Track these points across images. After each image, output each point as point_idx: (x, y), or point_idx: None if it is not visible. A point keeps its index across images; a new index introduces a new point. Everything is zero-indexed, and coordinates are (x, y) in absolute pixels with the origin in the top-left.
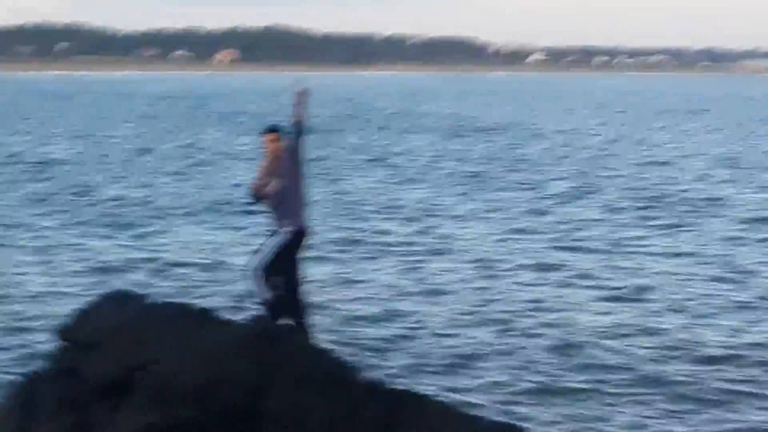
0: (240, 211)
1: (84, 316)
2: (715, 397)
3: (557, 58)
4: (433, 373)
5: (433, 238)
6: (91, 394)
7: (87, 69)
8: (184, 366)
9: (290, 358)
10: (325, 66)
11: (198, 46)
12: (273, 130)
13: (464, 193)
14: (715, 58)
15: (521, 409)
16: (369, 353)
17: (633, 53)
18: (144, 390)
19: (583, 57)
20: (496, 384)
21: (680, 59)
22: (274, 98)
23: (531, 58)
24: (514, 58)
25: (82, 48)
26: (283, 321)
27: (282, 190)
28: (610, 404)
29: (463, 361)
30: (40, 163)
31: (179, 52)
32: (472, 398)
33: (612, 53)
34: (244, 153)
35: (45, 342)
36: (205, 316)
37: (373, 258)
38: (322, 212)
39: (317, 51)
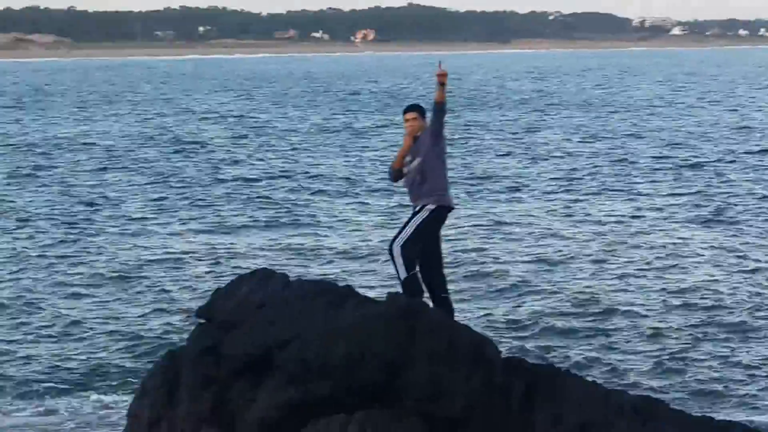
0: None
1: (224, 295)
2: None
3: (698, 31)
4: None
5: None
6: (231, 372)
7: (228, 52)
8: (323, 343)
9: (428, 335)
10: (465, 44)
11: (337, 26)
12: (413, 108)
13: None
14: None
15: (658, 383)
16: (508, 328)
17: None
18: (284, 367)
19: (724, 30)
20: (635, 356)
21: None
22: (405, 77)
23: (672, 32)
24: (655, 31)
25: (223, 31)
26: (421, 298)
27: (422, 169)
28: None
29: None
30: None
31: (317, 33)
32: (614, 373)
33: (752, 26)
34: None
35: (187, 322)
36: (344, 293)
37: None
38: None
39: (456, 29)
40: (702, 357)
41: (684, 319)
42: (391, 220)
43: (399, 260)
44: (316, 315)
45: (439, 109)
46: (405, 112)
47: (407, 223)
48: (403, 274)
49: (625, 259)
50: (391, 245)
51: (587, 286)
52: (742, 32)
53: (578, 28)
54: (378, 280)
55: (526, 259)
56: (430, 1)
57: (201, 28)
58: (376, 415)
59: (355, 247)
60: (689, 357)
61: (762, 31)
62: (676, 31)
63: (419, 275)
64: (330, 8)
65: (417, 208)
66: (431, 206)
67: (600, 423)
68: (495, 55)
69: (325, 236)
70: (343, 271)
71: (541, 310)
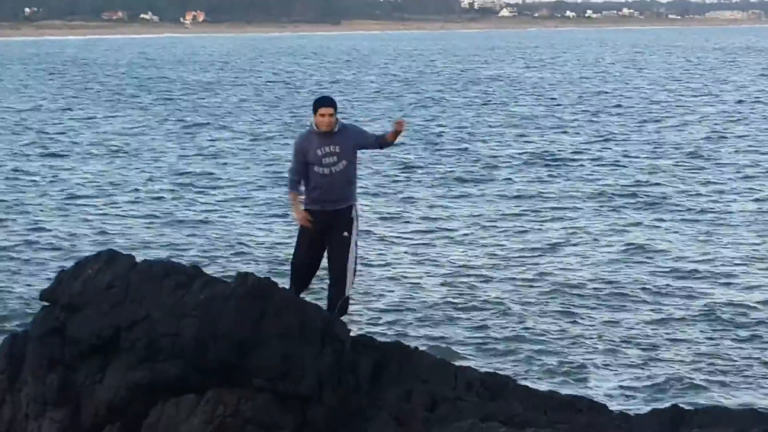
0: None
1: (68, 277)
2: None
3: (527, 12)
4: (422, 326)
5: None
6: (77, 354)
7: (53, 33)
8: (172, 324)
9: (278, 314)
10: (296, 25)
11: (167, 7)
12: (332, 103)
13: None
14: (683, 10)
15: (509, 363)
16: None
17: (601, 7)
18: (132, 348)
19: (553, 12)
20: (484, 336)
21: (648, 12)
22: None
23: (501, 13)
24: (484, 13)
25: (50, 13)
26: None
27: (347, 171)
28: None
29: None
30: None
31: (146, 15)
32: (463, 350)
33: (580, 7)
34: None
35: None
36: (192, 274)
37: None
38: None
39: (288, 10)
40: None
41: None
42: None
43: (352, 277)
44: (165, 296)
45: (384, 145)
46: (323, 105)
47: (348, 239)
48: (350, 291)
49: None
50: (345, 266)
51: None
52: (569, 13)
53: (408, 10)
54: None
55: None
56: None
57: (27, 10)
58: (227, 395)
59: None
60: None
61: (589, 12)
62: (504, 12)
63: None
64: None
65: (333, 210)
66: (357, 208)
67: (449, 398)
68: (324, 37)
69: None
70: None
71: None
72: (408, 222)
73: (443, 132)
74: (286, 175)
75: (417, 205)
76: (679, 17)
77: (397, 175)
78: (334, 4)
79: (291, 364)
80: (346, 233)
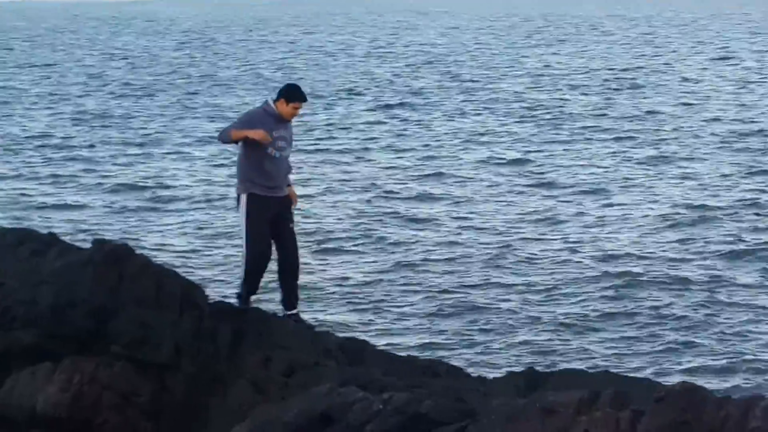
0: None
1: None
2: None
3: None
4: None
5: None
6: None
7: None
8: (27, 291)
9: (135, 280)
10: None
11: None
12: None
13: None
14: None
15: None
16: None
17: None
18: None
19: None
20: (342, 304)
21: None
22: None
23: None
24: None
25: None
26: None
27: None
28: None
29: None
30: None
31: None
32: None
33: None
34: None
35: None
36: (48, 241)
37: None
38: None
39: None
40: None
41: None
42: None
43: None
44: (20, 263)
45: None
46: (302, 101)
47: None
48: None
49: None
50: (298, 257)
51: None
52: None
53: None
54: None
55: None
56: None
57: None
58: (83, 362)
59: None
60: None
61: None
62: None
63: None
64: None
65: (282, 196)
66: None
67: (308, 364)
68: None
69: None
70: None
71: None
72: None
73: None
74: (220, 130)
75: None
76: None
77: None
78: None
79: (149, 332)
80: (292, 224)
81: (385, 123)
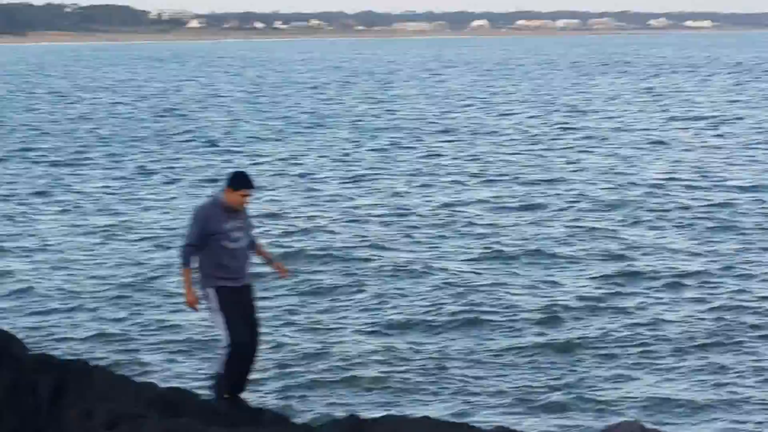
0: None
1: None
2: None
3: (215, 23)
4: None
5: None
6: None
7: None
8: None
9: None
10: None
11: None
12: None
13: None
14: (371, 21)
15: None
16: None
17: (290, 18)
18: None
19: (242, 23)
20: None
21: (337, 23)
22: None
23: (190, 24)
24: (174, 24)
25: None
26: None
27: (248, 248)
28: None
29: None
30: None
31: None
32: (143, 367)
33: (269, 18)
34: None
35: None
36: None
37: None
38: None
39: None
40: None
41: None
42: None
43: None
44: None
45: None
46: (249, 188)
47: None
48: None
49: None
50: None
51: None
52: (258, 25)
53: (96, 20)
54: None
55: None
56: None
57: None
58: None
59: None
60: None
61: (277, 23)
62: (194, 23)
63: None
64: None
65: (244, 285)
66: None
67: (131, 415)
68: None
69: None
70: None
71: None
72: None
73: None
74: (180, 247)
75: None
76: (365, 28)
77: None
78: (18, 15)
79: None
80: (256, 312)
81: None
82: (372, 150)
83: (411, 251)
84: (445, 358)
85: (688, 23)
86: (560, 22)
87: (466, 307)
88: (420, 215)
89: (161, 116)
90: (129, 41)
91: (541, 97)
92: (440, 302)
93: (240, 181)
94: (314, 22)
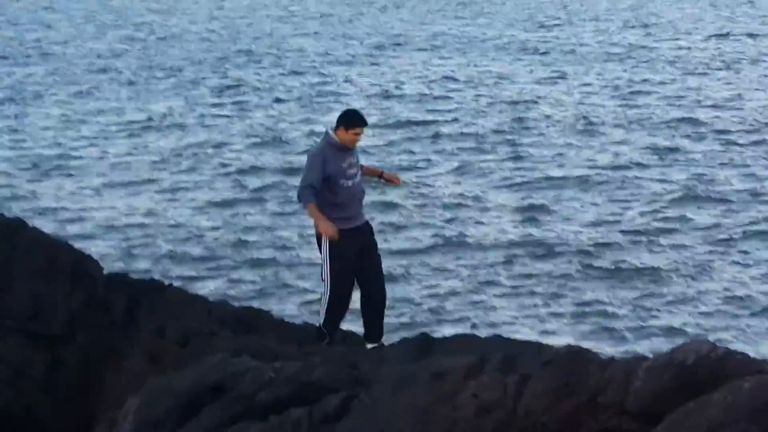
0: None
1: None
2: None
3: None
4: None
5: None
6: None
7: None
8: None
9: (28, 252)
10: None
11: None
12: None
13: None
14: None
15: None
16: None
17: None
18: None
19: None
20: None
21: None
22: None
23: None
24: None
25: None
26: None
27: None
28: None
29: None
30: None
31: None
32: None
33: None
34: None
35: None
36: None
37: None
38: None
39: None
40: None
41: None
42: None
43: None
44: None
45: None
46: (362, 125)
47: (380, 258)
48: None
49: None
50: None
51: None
52: None
53: None
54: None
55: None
56: None
57: None
58: None
59: None
60: None
61: None
62: None
63: None
64: None
65: (362, 224)
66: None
67: (203, 333)
68: None
69: None
70: None
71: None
72: None
73: None
74: (299, 189)
75: None
76: None
77: None
78: None
79: (41, 304)
80: (377, 255)
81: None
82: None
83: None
84: (518, 284)
85: None
86: None
87: (535, 237)
88: None
89: None
90: None
91: None
92: (513, 232)
93: (354, 120)
94: None
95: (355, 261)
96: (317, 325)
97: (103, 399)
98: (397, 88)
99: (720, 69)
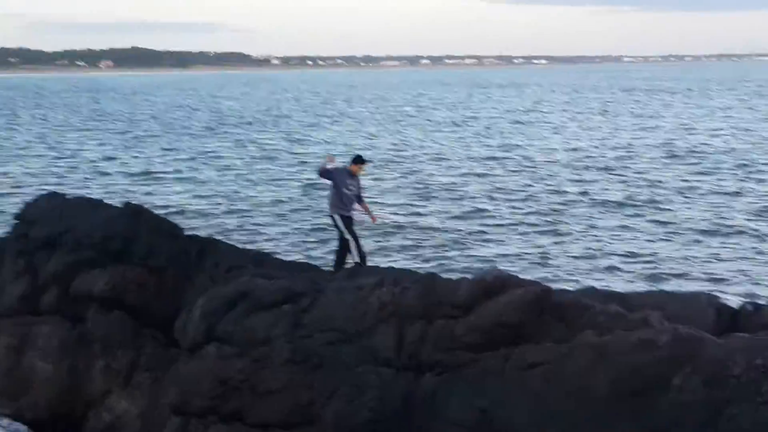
0: None
1: (29, 205)
2: None
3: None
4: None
5: None
6: (35, 248)
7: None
8: (87, 230)
9: (147, 222)
10: None
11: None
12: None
13: None
14: None
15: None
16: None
17: None
18: (66, 244)
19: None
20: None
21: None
22: None
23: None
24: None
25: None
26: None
27: (356, 196)
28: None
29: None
30: None
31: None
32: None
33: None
34: None
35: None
36: (97, 202)
37: None
38: None
39: None
40: None
41: None
42: None
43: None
44: (83, 215)
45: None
46: (364, 162)
47: (351, 224)
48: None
49: None
50: (356, 240)
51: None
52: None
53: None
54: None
55: None
56: None
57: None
58: (118, 268)
59: None
60: None
61: None
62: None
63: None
64: None
65: (350, 215)
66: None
67: (239, 266)
68: None
69: None
70: None
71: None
72: None
73: None
74: (319, 166)
75: None
76: None
77: None
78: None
79: (153, 249)
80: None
81: None
82: None
83: None
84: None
85: None
86: None
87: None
88: None
89: None
90: None
91: None
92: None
93: (360, 159)
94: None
95: (350, 228)
96: (355, 262)
97: (186, 300)
98: None
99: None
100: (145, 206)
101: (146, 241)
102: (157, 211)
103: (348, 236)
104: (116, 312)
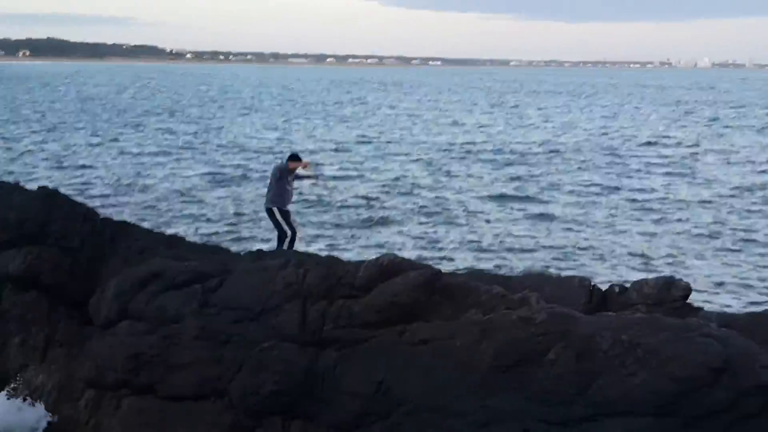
0: None
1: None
2: None
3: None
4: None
5: None
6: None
7: None
8: (2, 212)
9: (62, 205)
10: None
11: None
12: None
13: None
14: None
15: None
16: None
17: None
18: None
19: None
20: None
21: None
22: None
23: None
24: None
25: None
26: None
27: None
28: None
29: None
30: None
31: None
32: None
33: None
34: None
35: None
36: (13, 186)
37: None
38: None
39: None
40: None
41: None
42: None
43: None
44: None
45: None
46: (299, 160)
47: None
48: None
49: None
50: (293, 230)
51: None
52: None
53: None
54: None
55: None
56: None
57: None
58: (32, 249)
59: None
60: None
61: None
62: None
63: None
64: None
65: (287, 209)
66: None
67: (152, 249)
68: None
69: None
70: None
71: None
72: None
73: None
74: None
75: None
76: None
77: None
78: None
79: (67, 231)
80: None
81: None
82: None
83: None
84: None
85: None
86: None
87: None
88: None
89: None
90: None
91: None
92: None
93: (296, 157)
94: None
95: (287, 220)
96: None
97: (99, 280)
98: None
99: None
100: (60, 189)
101: (61, 223)
102: (72, 196)
103: (286, 227)
104: (32, 291)
